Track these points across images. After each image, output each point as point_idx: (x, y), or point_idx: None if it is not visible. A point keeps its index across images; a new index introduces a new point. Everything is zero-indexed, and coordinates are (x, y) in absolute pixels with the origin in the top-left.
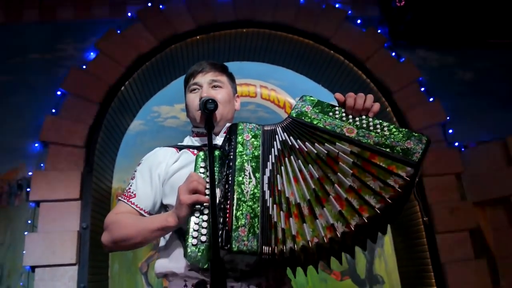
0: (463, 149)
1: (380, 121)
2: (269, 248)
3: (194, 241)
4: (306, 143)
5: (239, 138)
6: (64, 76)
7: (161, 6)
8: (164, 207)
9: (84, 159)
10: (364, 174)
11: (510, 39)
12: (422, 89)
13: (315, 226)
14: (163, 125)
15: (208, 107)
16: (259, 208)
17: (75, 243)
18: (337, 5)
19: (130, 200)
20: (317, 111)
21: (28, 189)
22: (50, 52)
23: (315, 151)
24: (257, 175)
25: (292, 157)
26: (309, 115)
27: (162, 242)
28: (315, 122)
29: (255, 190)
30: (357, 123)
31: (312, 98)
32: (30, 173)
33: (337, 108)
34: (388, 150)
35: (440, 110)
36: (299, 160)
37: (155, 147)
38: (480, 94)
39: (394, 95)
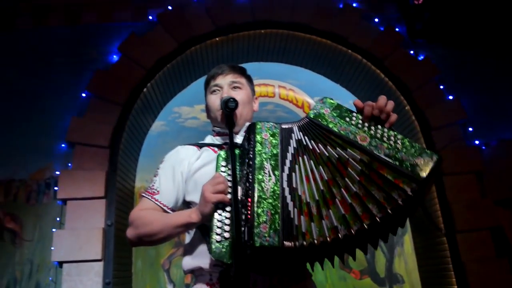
0: (483, 147)
1: (395, 133)
2: (290, 243)
3: (218, 238)
4: (319, 144)
5: (258, 137)
6: (89, 78)
7: (181, 9)
8: (186, 204)
9: (108, 159)
10: (370, 183)
11: None
12: (441, 87)
13: (321, 226)
14: (184, 125)
15: (229, 105)
16: (279, 204)
17: (100, 239)
18: (354, 4)
19: (154, 196)
20: (334, 114)
21: (55, 188)
22: (75, 55)
23: (327, 154)
24: (276, 172)
25: (305, 156)
26: (326, 117)
27: (187, 240)
28: (330, 126)
29: (275, 188)
30: (372, 132)
31: (331, 101)
32: (57, 172)
33: (355, 114)
34: (397, 163)
35: (459, 108)
36: (311, 161)
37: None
38: (500, 92)
39: (413, 94)
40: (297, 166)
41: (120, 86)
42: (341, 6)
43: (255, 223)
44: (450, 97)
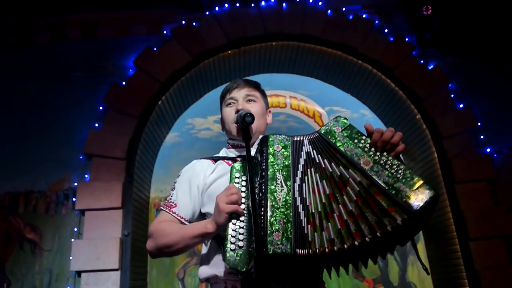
0: (495, 155)
1: (399, 162)
2: (302, 251)
3: (233, 247)
4: (325, 160)
5: (270, 149)
6: (106, 92)
7: (194, 24)
8: (202, 216)
9: (125, 170)
10: (365, 205)
11: None
12: (452, 95)
13: (322, 237)
14: (197, 136)
15: (246, 120)
16: (291, 214)
17: (117, 249)
18: (364, 15)
19: (172, 209)
20: (345, 134)
21: (74, 199)
22: (92, 69)
23: (330, 170)
24: (288, 183)
25: (312, 169)
26: (336, 136)
27: (204, 250)
28: (338, 144)
29: (287, 197)
30: (376, 158)
31: (344, 121)
32: (75, 184)
33: (364, 137)
34: (393, 192)
35: (470, 116)
36: (317, 174)
37: (190, 158)
38: (511, 99)
39: (424, 102)
40: (306, 177)
41: (135, 99)
42: (351, 17)
43: (268, 231)
44: (461, 106)
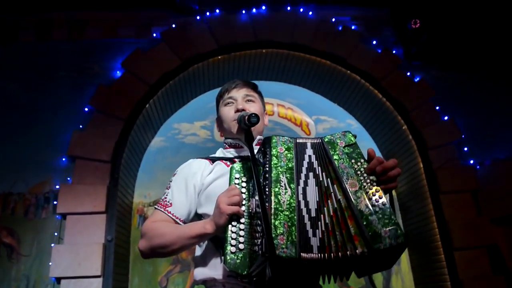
0: (478, 167)
1: (384, 197)
2: (307, 255)
3: (233, 249)
4: (319, 167)
5: (273, 151)
6: (91, 93)
7: (184, 28)
8: (198, 216)
9: (110, 173)
10: (337, 224)
11: None
12: (437, 108)
13: (313, 242)
14: (183, 142)
15: (252, 120)
16: (295, 217)
17: (100, 255)
18: (352, 27)
19: (167, 209)
20: (345, 151)
21: (55, 202)
22: (78, 70)
23: (320, 179)
24: (292, 186)
25: (311, 173)
26: (336, 149)
27: (198, 252)
28: (334, 157)
29: (291, 200)
30: (364, 184)
31: (351, 138)
32: (57, 187)
33: (362, 161)
34: (364, 223)
35: (454, 128)
36: (314, 179)
37: (175, 164)
38: (494, 113)
39: (410, 114)
40: (308, 181)
41: (122, 101)
42: (340, 28)
43: (273, 235)
44: (445, 118)
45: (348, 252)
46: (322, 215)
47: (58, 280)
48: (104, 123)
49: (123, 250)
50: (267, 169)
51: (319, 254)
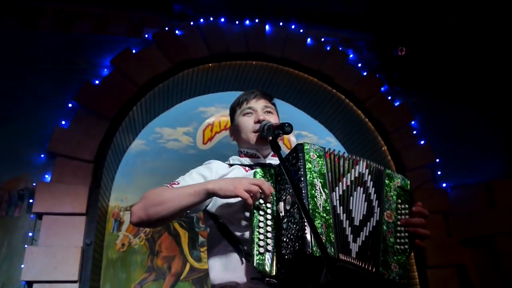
0: (449, 190)
1: (407, 245)
2: (345, 257)
3: (261, 250)
4: (373, 188)
5: (307, 156)
6: (76, 89)
7: (177, 32)
8: (213, 218)
9: (92, 174)
10: (378, 240)
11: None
12: (415, 132)
13: (351, 247)
14: (165, 146)
15: (286, 130)
16: (331, 220)
17: (78, 259)
18: (340, 48)
19: (172, 185)
20: (397, 190)
21: (30, 200)
22: (63, 63)
23: (371, 197)
24: (326, 190)
25: (361, 188)
26: (391, 183)
27: (214, 255)
28: (386, 188)
29: (325, 204)
30: (398, 223)
31: (408, 185)
32: (34, 184)
33: (407, 206)
34: (382, 249)
35: (430, 152)
36: (364, 194)
37: (156, 169)
38: (465, 141)
39: (390, 136)
40: (351, 191)
41: (110, 100)
42: (328, 48)
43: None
44: (422, 142)
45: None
46: (365, 227)
47: (30, 284)
48: (89, 121)
49: (97, 255)
50: (301, 172)
51: (358, 260)
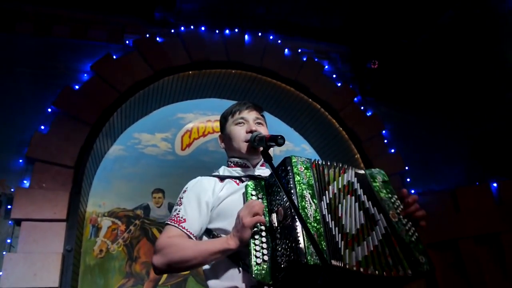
0: (419, 197)
1: (416, 232)
2: (337, 263)
3: (259, 260)
4: (365, 195)
5: (295, 169)
6: (55, 93)
7: (158, 39)
8: (207, 232)
9: (72, 180)
10: (385, 248)
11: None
12: (385, 141)
13: (351, 256)
14: (143, 152)
15: (279, 142)
16: (322, 229)
17: (58, 266)
18: (315, 59)
19: (181, 224)
20: (384, 185)
21: (8, 206)
22: (41, 67)
23: (367, 206)
24: (315, 201)
25: (352, 197)
26: (377, 182)
27: (208, 265)
28: (376, 189)
29: (315, 214)
30: (401, 217)
31: (385, 176)
32: (12, 190)
33: (396, 197)
34: (408, 249)
35: (400, 160)
36: (356, 204)
37: (134, 174)
38: (433, 149)
39: (363, 144)
40: (340, 199)
41: (90, 106)
42: (305, 59)
43: (306, 244)
44: (392, 150)
45: (392, 273)
46: (367, 236)
47: None
48: (69, 126)
49: (75, 261)
50: (291, 185)
51: (357, 267)
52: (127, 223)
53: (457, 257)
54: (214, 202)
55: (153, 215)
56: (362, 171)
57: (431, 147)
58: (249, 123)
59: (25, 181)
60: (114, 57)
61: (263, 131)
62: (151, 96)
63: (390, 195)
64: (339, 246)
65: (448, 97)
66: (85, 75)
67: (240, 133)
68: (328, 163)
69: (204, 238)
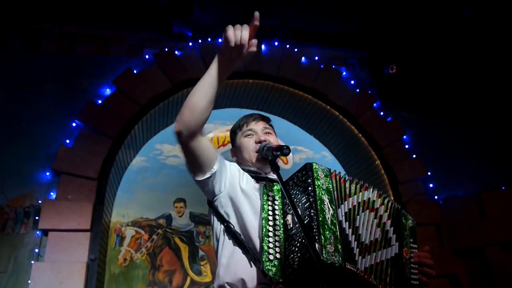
0: (441, 202)
1: (417, 281)
2: (351, 267)
3: (271, 257)
4: (389, 220)
5: (315, 174)
6: (78, 108)
7: (176, 52)
8: (216, 212)
9: (96, 191)
10: (390, 267)
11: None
12: (406, 146)
13: (362, 263)
14: (165, 163)
15: (284, 152)
16: (337, 232)
17: (83, 274)
18: (333, 66)
19: None
20: (409, 231)
21: (36, 217)
22: (65, 84)
23: (387, 228)
24: (332, 206)
25: (371, 212)
26: (406, 224)
27: (223, 254)
28: (405, 233)
29: (332, 218)
30: (411, 260)
31: (415, 227)
32: (39, 201)
33: (416, 245)
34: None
35: (422, 166)
36: (375, 220)
37: (156, 185)
38: (457, 153)
39: (383, 150)
40: (359, 211)
41: (112, 119)
42: (322, 66)
43: (324, 243)
44: (414, 156)
45: None
46: (379, 251)
47: None
48: (92, 139)
49: (100, 270)
50: (311, 188)
51: (363, 273)
52: (150, 233)
53: (484, 264)
54: (232, 187)
55: (175, 224)
56: (394, 203)
57: (454, 151)
58: (257, 134)
59: (51, 193)
60: (135, 71)
61: (273, 140)
62: (171, 108)
63: (411, 240)
64: (354, 252)
65: (469, 99)
66: (107, 89)
67: (249, 144)
68: (349, 178)
69: (217, 226)
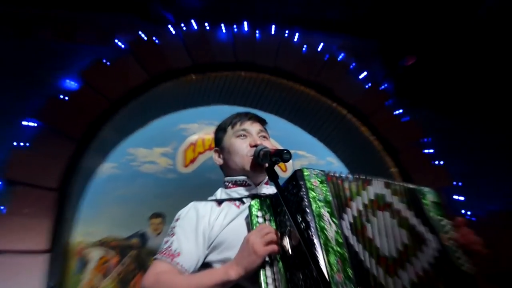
0: (473, 219)
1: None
2: None
3: None
4: (409, 211)
5: (308, 184)
6: (37, 104)
7: (155, 39)
8: (204, 267)
9: (57, 205)
10: (437, 272)
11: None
12: (427, 151)
13: (395, 282)
14: (139, 170)
15: (284, 157)
16: (346, 252)
17: None
18: (340, 56)
19: (174, 259)
20: (435, 206)
21: None
22: (20, 75)
23: (412, 223)
24: (334, 220)
25: (387, 213)
26: (427, 201)
27: None
28: (425, 207)
29: (337, 236)
30: (452, 242)
31: (438, 197)
32: None
33: (446, 221)
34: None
35: (445, 174)
36: (394, 220)
37: (129, 196)
38: (486, 161)
39: (399, 156)
40: (371, 217)
41: (77, 118)
42: (327, 57)
43: (330, 273)
44: (436, 162)
45: None
46: (416, 258)
47: None
48: (52, 142)
49: None
50: (306, 203)
51: None
52: (121, 254)
53: None
54: (211, 231)
55: (151, 244)
56: (403, 184)
57: (483, 158)
58: (252, 136)
59: (1, 207)
60: (105, 61)
61: (267, 144)
62: (148, 105)
63: (441, 218)
64: (372, 272)
65: (500, 98)
66: (72, 82)
67: (242, 147)
68: (346, 176)
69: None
